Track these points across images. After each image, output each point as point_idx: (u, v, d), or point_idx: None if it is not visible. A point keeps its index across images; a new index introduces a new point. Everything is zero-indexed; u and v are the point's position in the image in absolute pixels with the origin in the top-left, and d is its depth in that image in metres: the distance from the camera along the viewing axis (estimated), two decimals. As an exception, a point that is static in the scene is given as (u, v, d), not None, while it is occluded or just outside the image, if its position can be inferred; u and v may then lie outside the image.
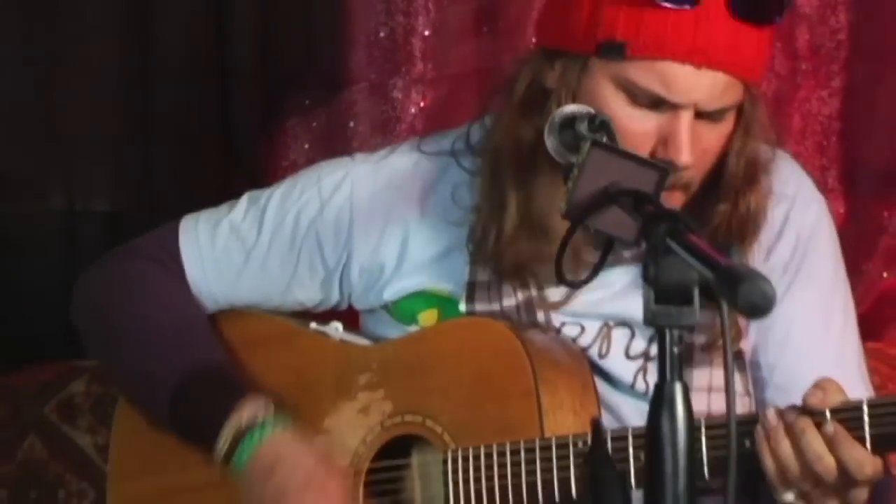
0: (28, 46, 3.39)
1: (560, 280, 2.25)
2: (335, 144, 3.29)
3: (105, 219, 3.33)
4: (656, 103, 2.39)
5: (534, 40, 2.64)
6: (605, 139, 2.23)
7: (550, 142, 2.31)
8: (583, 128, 2.26)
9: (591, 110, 2.30)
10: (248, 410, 2.49)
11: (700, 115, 2.39)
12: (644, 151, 2.36)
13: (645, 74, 2.38)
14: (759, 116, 2.47)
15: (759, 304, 1.89)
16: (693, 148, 2.39)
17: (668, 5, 2.35)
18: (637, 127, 2.39)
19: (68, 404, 3.22)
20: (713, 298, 1.92)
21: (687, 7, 2.35)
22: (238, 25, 3.40)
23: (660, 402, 1.95)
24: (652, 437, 1.95)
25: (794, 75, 3.48)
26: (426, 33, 3.40)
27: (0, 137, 3.38)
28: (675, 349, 1.95)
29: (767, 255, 2.42)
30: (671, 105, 2.38)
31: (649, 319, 1.96)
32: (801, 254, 2.50)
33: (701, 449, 2.24)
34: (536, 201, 2.47)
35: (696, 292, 1.93)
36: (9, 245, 3.39)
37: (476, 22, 3.39)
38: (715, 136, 2.42)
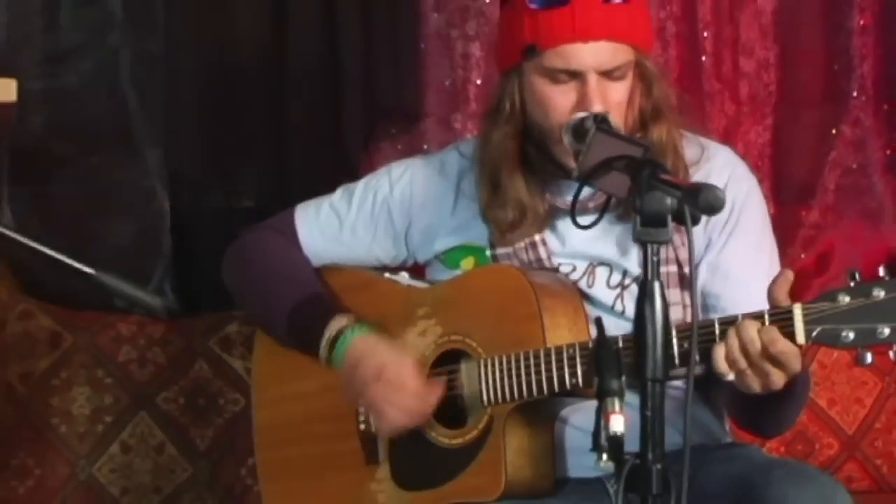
0: (200, 79, 3.40)
1: (574, 223, 2.25)
2: (413, 162, 3.29)
3: (251, 212, 3.29)
4: (569, 76, 2.39)
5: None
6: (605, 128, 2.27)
7: (567, 139, 2.38)
8: (588, 123, 2.31)
9: (596, 112, 2.34)
10: (337, 322, 2.49)
11: (604, 74, 2.39)
12: (571, 113, 2.39)
13: (553, 59, 2.39)
14: (654, 70, 2.46)
15: (714, 204, 1.98)
16: (604, 100, 2.38)
17: (549, 9, 2.38)
18: (562, 98, 2.40)
19: (226, 339, 3.24)
20: (681, 219, 1.98)
21: (566, 5, 2.37)
22: (348, 70, 3.38)
23: (643, 294, 2.02)
24: (638, 318, 2.02)
25: (738, 116, 3.52)
26: (478, 82, 3.40)
27: (179, 148, 3.37)
28: (655, 258, 2.01)
29: (710, 217, 2.23)
30: (579, 74, 2.39)
31: (636, 238, 2.02)
32: (737, 215, 2.46)
33: (672, 345, 2.18)
34: (502, 180, 2.48)
35: (669, 217, 1.98)
36: (187, 231, 3.36)
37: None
38: (621, 90, 2.41)
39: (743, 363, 2.19)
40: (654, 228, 2.00)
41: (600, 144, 2.20)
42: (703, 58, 3.49)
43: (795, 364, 2.21)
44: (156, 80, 3.33)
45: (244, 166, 3.41)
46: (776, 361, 2.19)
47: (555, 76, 2.41)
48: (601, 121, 2.31)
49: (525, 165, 2.48)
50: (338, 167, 3.26)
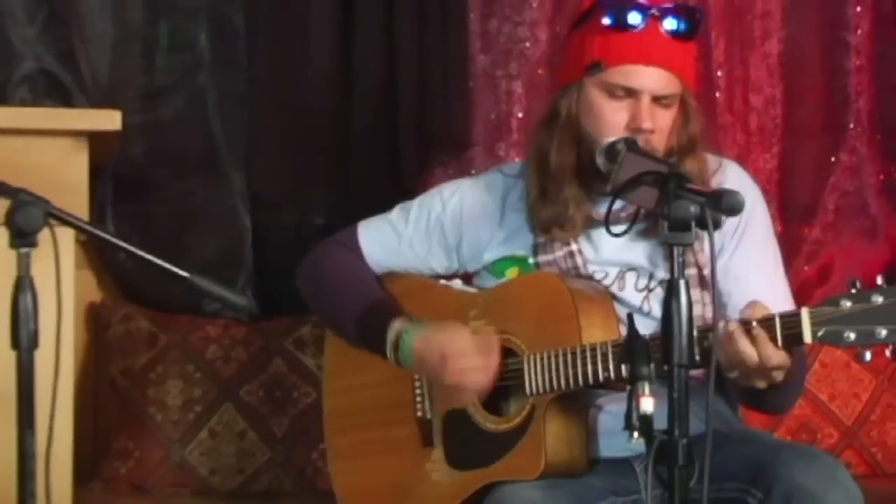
0: (277, 113, 3.41)
1: (608, 231, 2.28)
2: (463, 185, 3.29)
3: (322, 229, 3.31)
4: (626, 93, 2.40)
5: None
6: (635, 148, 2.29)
7: (600, 160, 2.38)
8: (619, 146, 2.32)
9: (626, 136, 2.35)
10: (394, 329, 2.50)
11: (655, 100, 2.40)
12: (623, 129, 2.40)
13: (616, 75, 2.40)
14: (694, 107, 2.48)
15: (735, 206, 1.99)
16: (653, 120, 2.40)
17: (620, 31, 2.39)
18: (615, 114, 2.41)
19: (300, 339, 3.26)
20: (703, 224, 1.99)
21: (635, 31, 2.38)
22: (405, 105, 3.41)
23: (671, 289, 2.02)
24: (665, 310, 2.02)
25: (749, 145, 3.55)
26: (520, 115, 3.43)
27: (259, 173, 3.40)
28: (681, 259, 2.01)
29: (722, 224, 2.13)
30: (635, 92, 2.40)
31: (664, 240, 2.03)
32: (745, 223, 2.47)
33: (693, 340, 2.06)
34: (552, 183, 2.47)
35: (693, 223, 1.98)
36: (266, 245, 3.39)
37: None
38: (667, 117, 2.43)
39: (741, 367, 2.23)
40: (679, 233, 2.01)
41: (630, 162, 2.22)
42: (717, 94, 3.53)
43: (788, 364, 2.25)
44: (239, 114, 3.38)
45: (316, 189, 3.44)
46: (767, 368, 2.23)
47: (613, 91, 2.41)
48: (631, 143, 2.33)
49: (578, 173, 2.48)
50: (396, 190, 3.27)
